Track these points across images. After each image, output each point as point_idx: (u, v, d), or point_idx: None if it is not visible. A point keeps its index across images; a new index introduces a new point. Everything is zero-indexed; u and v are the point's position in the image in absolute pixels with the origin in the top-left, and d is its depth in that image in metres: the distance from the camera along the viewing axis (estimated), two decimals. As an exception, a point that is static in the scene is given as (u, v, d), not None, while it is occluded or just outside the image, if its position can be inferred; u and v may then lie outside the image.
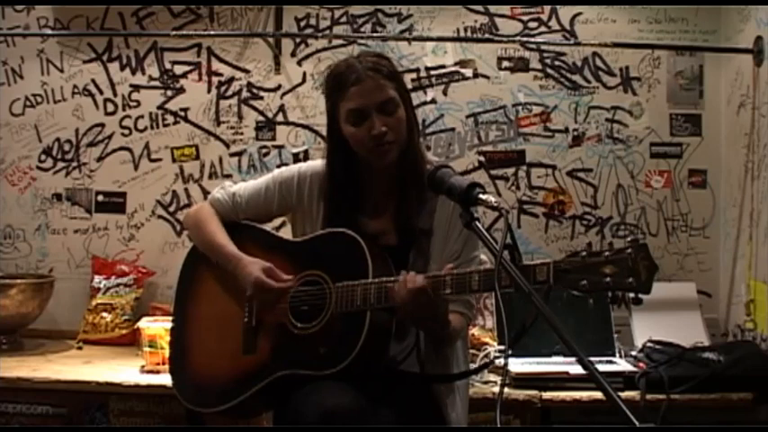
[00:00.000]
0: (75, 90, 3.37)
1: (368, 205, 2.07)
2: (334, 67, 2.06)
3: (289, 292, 1.97)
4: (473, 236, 2.00)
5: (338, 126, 2.02)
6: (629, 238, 1.63)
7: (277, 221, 2.34)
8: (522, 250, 1.79)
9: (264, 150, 3.33)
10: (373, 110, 1.96)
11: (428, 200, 2.02)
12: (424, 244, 2.01)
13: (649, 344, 2.81)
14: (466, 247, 2.02)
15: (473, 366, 2.31)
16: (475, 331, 2.89)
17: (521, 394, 2.54)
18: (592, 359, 1.41)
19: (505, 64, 3.29)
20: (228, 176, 3.28)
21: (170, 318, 2.43)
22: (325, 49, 3.32)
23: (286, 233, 2.21)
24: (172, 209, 3.35)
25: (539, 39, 3.26)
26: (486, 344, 2.85)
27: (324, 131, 3.25)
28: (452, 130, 3.29)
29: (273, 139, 3.34)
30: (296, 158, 3.29)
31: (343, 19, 3.31)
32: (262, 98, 3.34)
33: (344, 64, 2.02)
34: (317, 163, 2.16)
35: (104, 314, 3.18)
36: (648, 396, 2.52)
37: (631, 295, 1.57)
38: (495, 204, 1.65)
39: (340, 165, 2.05)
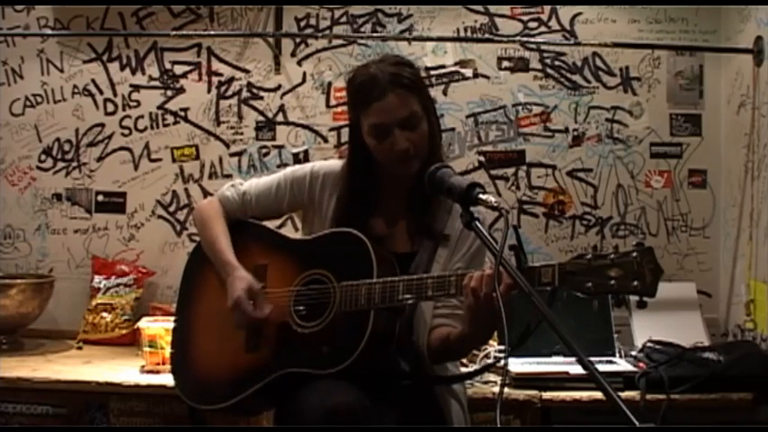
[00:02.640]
0: (75, 90, 3.37)
1: (380, 209, 2.07)
2: (356, 76, 2.02)
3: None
4: (478, 258, 2.02)
5: (361, 135, 2.01)
6: (634, 242, 1.62)
7: (278, 220, 2.34)
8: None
9: (264, 150, 3.33)
10: (395, 126, 1.95)
11: (441, 211, 2.03)
12: (430, 252, 2.02)
13: (649, 344, 2.81)
14: (470, 266, 2.01)
15: (473, 366, 2.31)
16: (475, 331, 2.89)
17: (521, 394, 2.54)
18: (592, 359, 1.41)
19: (505, 64, 3.29)
20: (228, 176, 3.28)
21: (170, 318, 2.44)
22: (325, 49, 3.32)
23: (286, 232, 2.21)
24: (172, 209, 3.35)
25: (539, 39, 3.26)
26: (486, 344, 2.85)
27: (324, 132, 3.32)
28: (452, 130, 3.29)
29: (273, 139, 3.34)
30: (296, 158, 3.30)
31: (343, 19, 3.31)
32: (262, 98, 3.34)
33: (367, 74, 1.98)
34: (330, 162, 2.18)
35: (104, 314, 3.18)
36: (648, 396, 2.52)
37: (636, 298, 1.57)
38: (495, 204, 1.65)
39: (360, 169, 2.04)
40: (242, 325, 2.00)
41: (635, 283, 1.56)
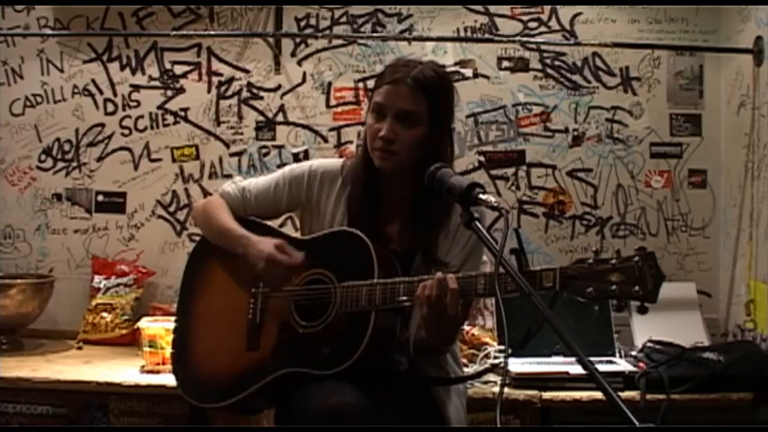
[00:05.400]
0: (75, 90, 3.37)
1: (385, 206, 2.07)
2: (396, 60, 2.11)
3: (300, 271, 1.97)
4: (475, 256, 2.02)
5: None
6: (636, 246, 1.62)
7: (278, 220, 2.34)
8: (522, 249, 1.79)
9: (264, 150, 3.33)
10: (392, 114, 1.96)
11: (442, 215, 2.03)
12: (430, 254, 2.02)
13: (649, 344, 2.81)
14: (465, 265, 2.02)
15: (474, 367, 2.31)
16: (475, 331, 2.90)
17: (521, 394, 2.54)
18: (592, 359, 1.41)
19: (505, 64, 3.29)
20: (228, 176, 3.27)
21: (170, 318, 2.44)
22: (325, 49, 3.32)
23: (286, 232, 2.21)
24: (172, 209, 3.35)
25: (539, 39, 3.26)
26: (486, 344, 2.85)
27: (324, 132, 3.33)
28: (453, 129, 3.28)
29: (273, 139, 3.34)
30: (296, 158, 3.29)
31: (343, 19, 3.31)
32: (262, 98, 3.34)
33: (401, 62, 2.05)
34: (328, 161, 2.18)
35: (104, 314, 3.17)
36: (648, 396, 2.52)
37: (637, 303, 1.57)
38: (495, 204, 1.65)
39: (365, 154, 2.04)
40: (280, 276, 1.97)
41: (636, 288, 1.56)
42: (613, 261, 1.60)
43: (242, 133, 3.34)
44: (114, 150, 3.36)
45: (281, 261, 1.96)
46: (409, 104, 1.96)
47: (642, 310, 1.56)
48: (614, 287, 1.58)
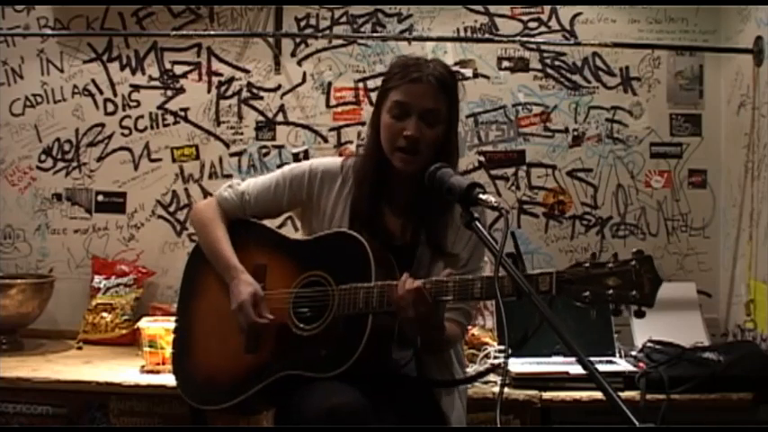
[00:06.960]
0: (76, 90, 3.37)
1: (389, 202, 2.07)
2: (403, 57, 2.06)
3: (264, 326, 1.98)
4: (480, 248, 2.02)
5: (380, 113, 2.02)
6: (633, 250, 1.61)
7: (278, 220, 2.34)
8: (522, 250, 1.79)
9: (264, 150, 3.33)
10: (416, 113, 1.95)
11: (446, 212, 2.03)
12: (431, 248, 2.02)
13: (649, 344, 2.81)
14: (472, 258, 2.03)
15: (475, 367, 2.30)
16: (475, 331, 2.90)
17: (521, 394, 2.54)
18: (592, 359, 1.41)
19: (505, 64, 3.29)
20: (228, 176, 3.28)
21: (170, 318, 2.44)
22: (325, 49, 3.32)
23: (286, 232, 2.21)
24: (172, 209, 3.35)
25: (539, 39, 3.26)
26: (486, 344, 2.85)
27: (324, 132, 3.32)
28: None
29: (273, 139, 3.34)
30: (296, 158, 3.29)
31: (343, 19, 3.32)
32: (262, 98, 3.34)
33: (415, 60, 2.02)
34: (328, 160, 2.18)
35: (104, 314, 3.17)
36: (648, 396, 2.52)
37: (634, 308, 1.56)
38: (496, 204, 1.65)
39: (375, 152, 2.04)
40: (244, 327, 2.00)
41: (633, 292, 1.55)
42: (610, 265, 1.59)
43: (242, 133, 3.34)
44: (114, 150, 3.36)
45: (248, 315, 1.97)
46: (433, 102, 1.96)
47: (639, 315, 1.55)
48: (611, 291, 1.57)
